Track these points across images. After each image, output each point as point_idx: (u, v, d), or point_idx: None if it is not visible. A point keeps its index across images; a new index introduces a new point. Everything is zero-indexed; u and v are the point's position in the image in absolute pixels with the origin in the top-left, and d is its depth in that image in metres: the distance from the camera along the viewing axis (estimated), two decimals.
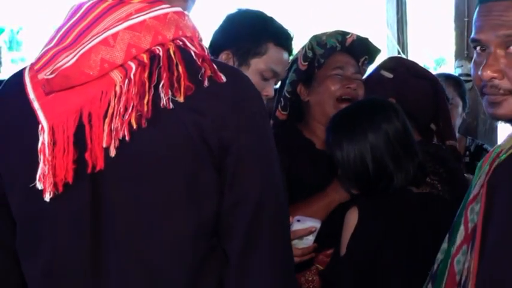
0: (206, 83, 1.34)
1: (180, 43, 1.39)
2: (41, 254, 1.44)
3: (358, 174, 2.24)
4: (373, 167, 2.20)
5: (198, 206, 1.37)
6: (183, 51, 1.38)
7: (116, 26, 1.36)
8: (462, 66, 4.72)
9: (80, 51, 1.36)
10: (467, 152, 3.60)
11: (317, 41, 2.68)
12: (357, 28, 2.80)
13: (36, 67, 1.41)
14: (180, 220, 1.37)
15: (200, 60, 1.37)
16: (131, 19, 1.37)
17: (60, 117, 1.37)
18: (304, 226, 2.24)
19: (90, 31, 1.38)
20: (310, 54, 2.66)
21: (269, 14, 2.46)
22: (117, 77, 1.35)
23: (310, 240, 2.26)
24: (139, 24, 1.36)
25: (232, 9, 2.48)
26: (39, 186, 1.37)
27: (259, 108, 1.43)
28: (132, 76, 1.34)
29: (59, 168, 1.36)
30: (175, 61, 1.35)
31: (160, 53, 1.36)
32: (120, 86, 1.34)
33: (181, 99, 1.32)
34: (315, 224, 2.25)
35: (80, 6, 1.44)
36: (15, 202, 1.46)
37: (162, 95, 1.32)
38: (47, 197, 1.37)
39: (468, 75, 4.62)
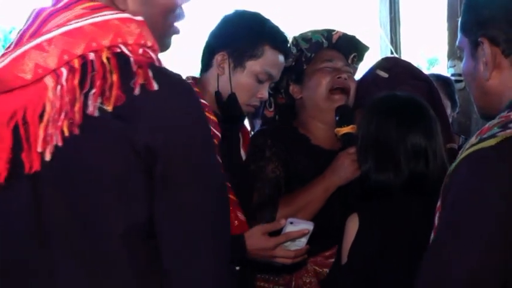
0: (137, 91, 1.33)
1: (118, 50, 1.38)
2: None
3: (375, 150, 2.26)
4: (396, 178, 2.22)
5: (127, 208, 1.36)
6: (120, 57, 1.37)
7: (52, 31, 1.37)
8: (455, 66, 4.73)
9: (13, 54, 1.37)
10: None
11: (302, 37, 2.67)
12: (349, 28, 2.80)
13: None
14: (111, 221, 1.36)
15: (136, 67, 1.35)
16: (68, 25, 1.37)
17: None
18: (297, 228, 2.24)
19: (38, 36, 1.38)
20: (294, 50, 2.65)
21: (264, 15, 2.46)
22: (50, 82, 1.36)
23: (302, 242, 2.26)
24: (75, 30, 1.37)
25: (229, 10, 2.47)
26: None
27: (191, 113, 1.40)
28: (63, 82, 1.35)
29: None
30: (108, 68, 1.35)
31: (94, 59, 1.36)
32: (53, 92, 1.35)
33: (109, 108, 1.32)
34: (307, 226, 2.25)
35: (33, 11, 1.45)
36: None
37: (89, 102, 1.33)
38: None
39: (461, 75, 4.64)
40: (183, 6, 1.55)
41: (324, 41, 2.68)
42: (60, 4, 1.42)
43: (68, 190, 1.36)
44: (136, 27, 1.40)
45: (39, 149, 1.34)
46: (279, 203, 2.46)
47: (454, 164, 1.47)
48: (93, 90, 1.33)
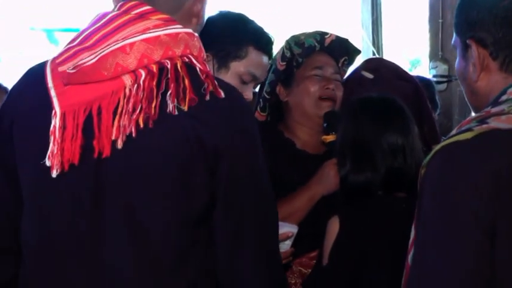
0: (208, 97, 1.54)
1: (187, 60, 1.58)
2: (41, 225, 1.62)
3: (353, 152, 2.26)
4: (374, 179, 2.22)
5: (187, 199, 1.55)
6: (188, 66, 1.57)
7: (134, 36, 1.55)
8: (436, 67, 4.76)
9: (100, 53, 1.54)
10: None
11: (295, 41, 2.66)
12: (332, 29, 2.79)
13: (58, 61, 1.60)
14: (171, 208, 1.55)
15: (204, 76, 1.56)
16: (148, 33, 1.56)
17: (72, 106, 1.55)
18: (281, 231, 2.21)
19: (111, 38, 1.57)
20: (288, 54, 2.64)
21: (248, 16, 2.45)
22: (128, 81, 1.54)
23: (287, 245, 2.25)
24: (154, 38, 1.56)
25: (213, 11, 2.47)
26: (48, 163, 1.55)
27: (251, 122, 1.66)
28: (141, 82, 1.53)
29: (66, 150, 1.54)
30: (181, 74, 1.54)
31: (168, 66, 1.55)
32: (130, 89, 1.53)
33: (185, 108, 1.51)
34: (291, 229, 2.25)
35: (105, 14, 1.63)
36: (26, 174, 1.64)
37: (168, 102, 1.52)
38: (54, 174, 1.55)
39: (443, 76, 4.67)
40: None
41: (317, 44, 2.67)
42: (135, 12, 1.61)
43: (132, 179, 1.54)
44: (197, 41, 1.63)
45: (112, 137, 1.52)
46: None
47: (429, 155, 1.47)
48: (170, 91, 1.52)
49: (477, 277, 1.36)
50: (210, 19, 2.43)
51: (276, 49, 2.67)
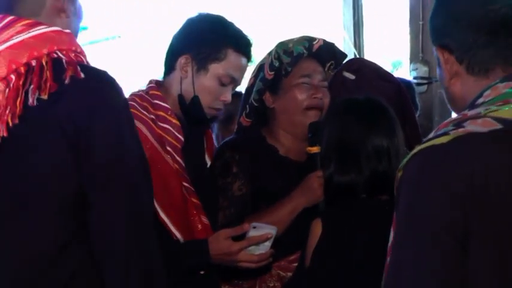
0: (67, 81, 1.64)
1: (55, 55, 1.69)
2: None
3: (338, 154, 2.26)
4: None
5: (59, 185, 1.64)
6: (56, 61, 1.68)
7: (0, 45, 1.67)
8: (417, 69, 4.77)
9: None
10: None
11: (283, 49, 2.62)
12: (313, 31, 2.79)
13: None
14: (45, 197, 1.65)
15: (66, 64, 1.66)
16: (12, 40, 1.68)
17: None
18: (260, 233, 2.24)
19: None
20: (276, 63, 2.61)
21: (228, 18, 2.45)
22: (1, 87, 1.65)
23: (266, 246, 2.26)
24: (18, 43, 1.68)
25: (193, 13, 2.46)
26: None
27: (111, 99, 1.70)
28: (11, 85, 1.64)
29: None
30: (45, 69, 1.65)
31: (34, 64, 1.66)
32: (2, 94, 1.64)
33: (45, 96, 1.62)
34: (271, 230, 2.25)
35: None
36: None
37: (29, 95, 1.63)
38: None
39: (423, 78, 4.68)
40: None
41: (305, 51, 2.64)
42: (1, 24, 1.71)
43: (9, 173, 1.65)
44: (67, 37, 1.74)
45: None
46: (245, 222, 2.41)
47: (406, 158, 1.47)
48: (32, 86, 1.63)
49: (449, 285, 1.35)
50: (189, 21, 2.43)
51: (257, 51, 2.66)
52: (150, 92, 2.38)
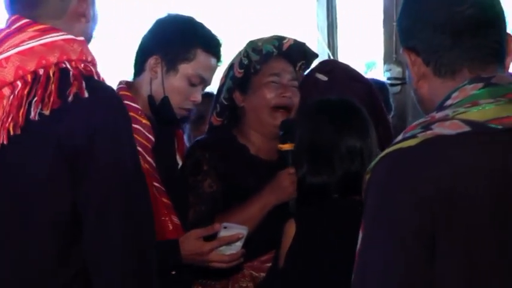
0: (70, 98, 1.62)
1: (64, 66, 1.67)
2: None
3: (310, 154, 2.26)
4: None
5: (55, 201, 1.64)
6: (63, 72, 1.66)
7: (9, 50, 1.67)
8: (391, 70, 4.78)
9: None
10: None
11: (253, 48, 2.63)
12: (287, 32, 2.78)
13: None
14: (41, 210, 1.65)
15: (72, 79, 1.64)
16: (22, 45, 1.67)
17: None
18: (231, 233, 2.25)
19: None
20: (246, 61, 2.62)
21: (199, 18, 2.46)
22: (7, 92, 1.66)
23: (237, 246, 2.27)
24: (28, 50, 1.66)
25: (162, 14, 2.46)
26: None
27: (113, 118, 1.68)
28: (16, 92, 1.64)
29: None
30: (52, 80, 1.64)
31: (42, 74, 1.65)
32: (7, 100, 1.65)
33: (47, 112, 1.61)
34: (242, 230, 2.26)
35: None
36: None
37: (32, 108, 1.62)
38: None
39: (396, 78, 4.69)
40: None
41: (275, 50, 2.65)
42: (15, 26, 1.70)
43: (6, 182, 1.66)
44: (78, 46, 1.72)
45: None
46: (216, 220, 2.45)
47: (375, 160, 1.47)
48: (35, 98, 1.62)
49: None
50: (158, 22, 2.44)
51: (230, 52, 2.66)
52: (120, 92, 2.37)
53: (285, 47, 2.67)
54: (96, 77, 1.71)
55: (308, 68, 2.82)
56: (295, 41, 2.70)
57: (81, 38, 1.75)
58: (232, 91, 2.66)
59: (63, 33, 1.71)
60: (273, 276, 2.30)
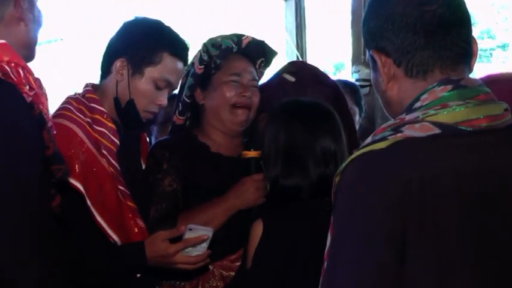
0: None
1: None
2: None
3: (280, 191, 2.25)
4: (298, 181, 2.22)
5: None
6: None
7: None
8: (359, 71, 4.79)
9: None
10: None
11: (212, 43, 2.64)
12: (256, 33, 2.78)
13: None
14: None
15: None
16: None
17: None
18: (196, 234, 2.25)
19: None
20: (205, 57, 2.63)
21: (165, 21, 2.45)
22: None
23: (203, 247, 2.28)
24: None
25: (130, 17, 2.45)
26: None
27: None
28: None
29: None
30: None
31: None
32: None
33: None
34: (207, 232, 2.26)
35: None
36: None
37: None
38: None
39: (365, 80, 4.70)
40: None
41: (234, 46, 2.67)
42: None
43: None
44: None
45: None
46: (179, 218, 2.48)
47: (344, 164, 1.46)
48: None
49: None
50: (125, 24, 2.43)
51: (195, 53, 2.65)
52: (87, 95, 2.37)
53: (244, 43, 2.69)
54: (1, 76, 1.71)
55: (268, 66, 2.83)
56: (254, 39, 2.72)
57: (1, 41, 1.75)
58: (193, 88, 2.67)
59: None
60: (241, 276, 2.30)
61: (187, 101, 2.69)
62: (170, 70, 2.37)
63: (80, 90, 2.43)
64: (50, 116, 1.90)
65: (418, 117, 1.43)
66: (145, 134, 2.67)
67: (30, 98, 1.74)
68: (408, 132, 1.41)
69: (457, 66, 1.50)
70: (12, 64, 1.74)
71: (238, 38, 2.68)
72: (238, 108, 2.60)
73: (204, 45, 2.64)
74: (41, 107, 1.79)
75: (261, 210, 2.41)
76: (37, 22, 1.88)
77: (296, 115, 2.31)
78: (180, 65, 2.41)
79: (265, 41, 2.75)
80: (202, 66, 2.63)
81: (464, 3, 1.54)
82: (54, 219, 1.90)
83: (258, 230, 2.19)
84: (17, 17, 1.81)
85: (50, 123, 1.83)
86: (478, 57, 1.58)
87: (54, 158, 1.82)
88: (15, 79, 1.73)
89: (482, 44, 12.13)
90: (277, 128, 2.30)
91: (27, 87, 1.74)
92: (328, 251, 1.45)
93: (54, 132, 1.91)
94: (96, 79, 2.49)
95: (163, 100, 2.38)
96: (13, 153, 1.66)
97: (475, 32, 1.59)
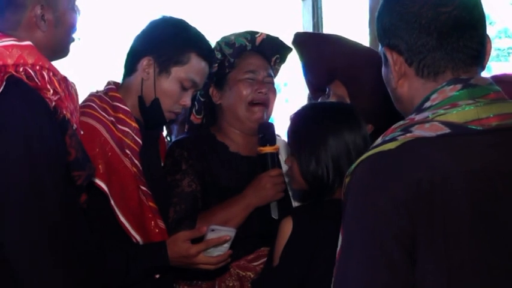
0: None
1: None
2: None
3: (316, 182, 2.24)
4: (333, 175, 2.21)
5: None
6: None
7: None
8: None
9: None
10: None
11: (225, 41, 2.65)
12: (273, 33, 2.79)
13: None
14: None
15: None
16: None
17: None
18: (219, 235, 2.24)
19: None
20: (219, 55, 2.63)
21: (187, 20, 2.46)
22: None
23: (225, 247, 2.27)
24: None
25: (156, 16, 2.45)
26: None
27: (25, 115, 1.73)
28: None
29: None
30: None
31: None
32: None
33: None
34: (229, 233, 2.25)
35: None
36: None
37: None
38: None
39: None
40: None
41: (248, 44, 2.67)
42: None
43: None
44: (17, 51, 1.80)
45: None
46: (198, 219, 2.47)
47: (354, 164, 1.47)
48: None
49: None
50: (152, 23, 2.42)
51: None
52: (110, 93, 2.37)
53: (258, 41, 2.69)
54: (26, 80, 1.77)
55: (283, 62, 2.82)
56: (268, 35, 2.72)
57: (26, 43, 1.83)
58: (207, 87, 2.66)
59: (7, 39, 1.82)
60: (267, 274, 2.30)
61: (202, 99, 2.69)
62: (196, 71, 2.37)
63: (101, 88, 2.42)
64: (77, 116, 1.91)
65: (428, 117, 1.44)
66: (162, 134, 2.67)
67: (54, 103, 1.77)
68: (418, 132, 1.42)
69: (470, 68, 1.51)
70: (37, 67, 1.79)
71: (251, 35, 2.68)
72: (255, 106, 2.60)
73: (218, 43, 2.65)
74: (65, 111, 1.80)
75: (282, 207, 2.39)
76: (63, 23, 1.92)
77: (342, 119, 2.29)
78: (205, 66, 2.41)
79: (279, 37, 2.74)
80: (216, 65, 2.63)
81: (480, 5, 1.54)
82: (82, 219, 1.93)
83: (287, 227, 2.19)
84: (34, 21, 1.88)
85: (74, 126, 1.85)
86: (495, 56, 1.57)
87: (75, 164, 1.84)
88: (39, 83, 1.77)
89: (499, 44, 12.03)
90: (308, 129, 2.29)
91: (51, 91, 1.78)
92: (340, 251, 1.45)
93: (82, 132, 1.94)
94: (113, 78, 2.49)
95: (187, 101, 2.39)
96: (34, 161, 1.72)
97: (492, 32, 1.60)
